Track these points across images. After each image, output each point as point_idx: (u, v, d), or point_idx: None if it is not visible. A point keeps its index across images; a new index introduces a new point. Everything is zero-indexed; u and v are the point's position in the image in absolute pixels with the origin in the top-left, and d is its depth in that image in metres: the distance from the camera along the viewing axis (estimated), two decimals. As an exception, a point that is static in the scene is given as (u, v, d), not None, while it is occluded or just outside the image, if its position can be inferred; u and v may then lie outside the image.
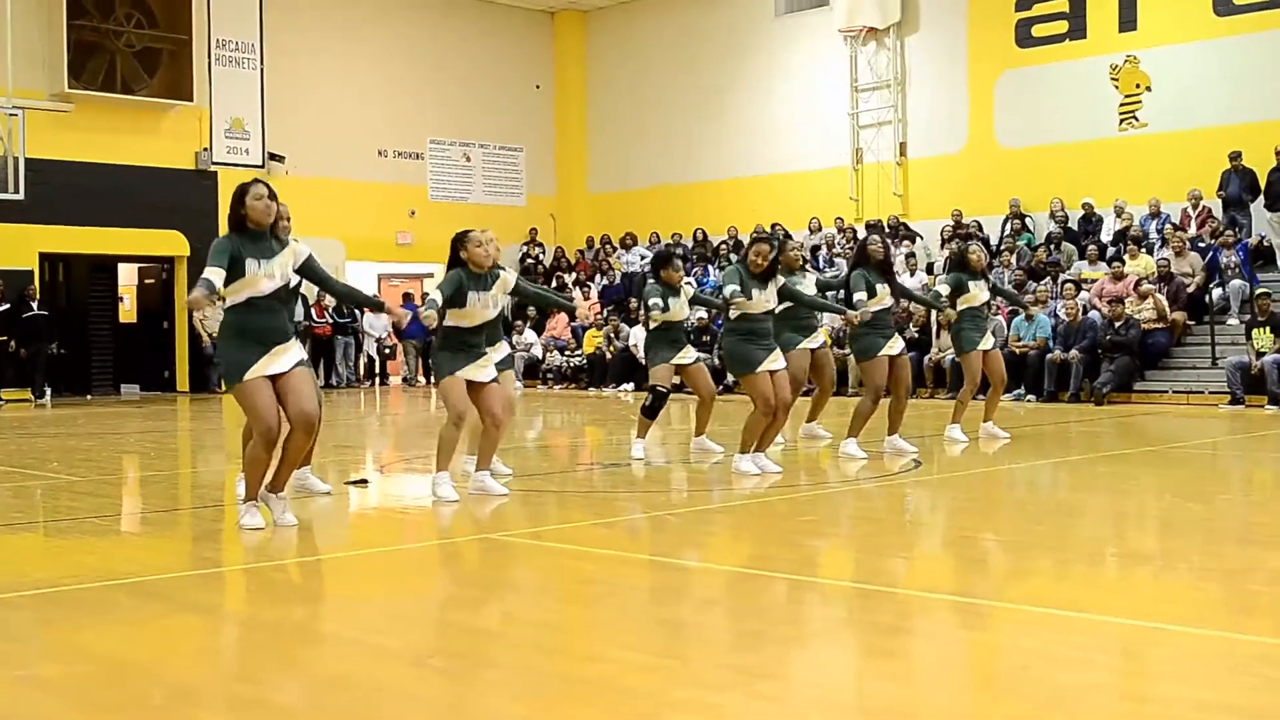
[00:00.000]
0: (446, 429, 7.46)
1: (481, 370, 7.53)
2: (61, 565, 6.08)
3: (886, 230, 20.92)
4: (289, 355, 6.51)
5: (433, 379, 7.72)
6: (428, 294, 7.84)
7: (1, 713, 3.60)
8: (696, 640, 4.48)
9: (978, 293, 10.89)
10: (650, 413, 9.88)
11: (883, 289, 9.75)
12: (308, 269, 6.68)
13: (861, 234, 18.77)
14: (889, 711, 3.55)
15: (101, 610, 4.98)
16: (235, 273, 6.33)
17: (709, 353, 17.43)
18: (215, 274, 6.26)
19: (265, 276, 6.40)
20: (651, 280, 10.28)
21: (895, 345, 9.91)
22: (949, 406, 11.90)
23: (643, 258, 23.92)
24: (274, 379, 6.47)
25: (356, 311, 22.92)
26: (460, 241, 7.62)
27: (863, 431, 9.76)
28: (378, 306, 7.74)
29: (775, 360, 8.64)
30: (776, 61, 23.61)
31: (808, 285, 10.43)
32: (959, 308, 10.91)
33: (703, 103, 24.47)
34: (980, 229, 20.09)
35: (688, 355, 9.86)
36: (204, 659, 4.34)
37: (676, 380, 10.03)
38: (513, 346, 9.27)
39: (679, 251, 10.75)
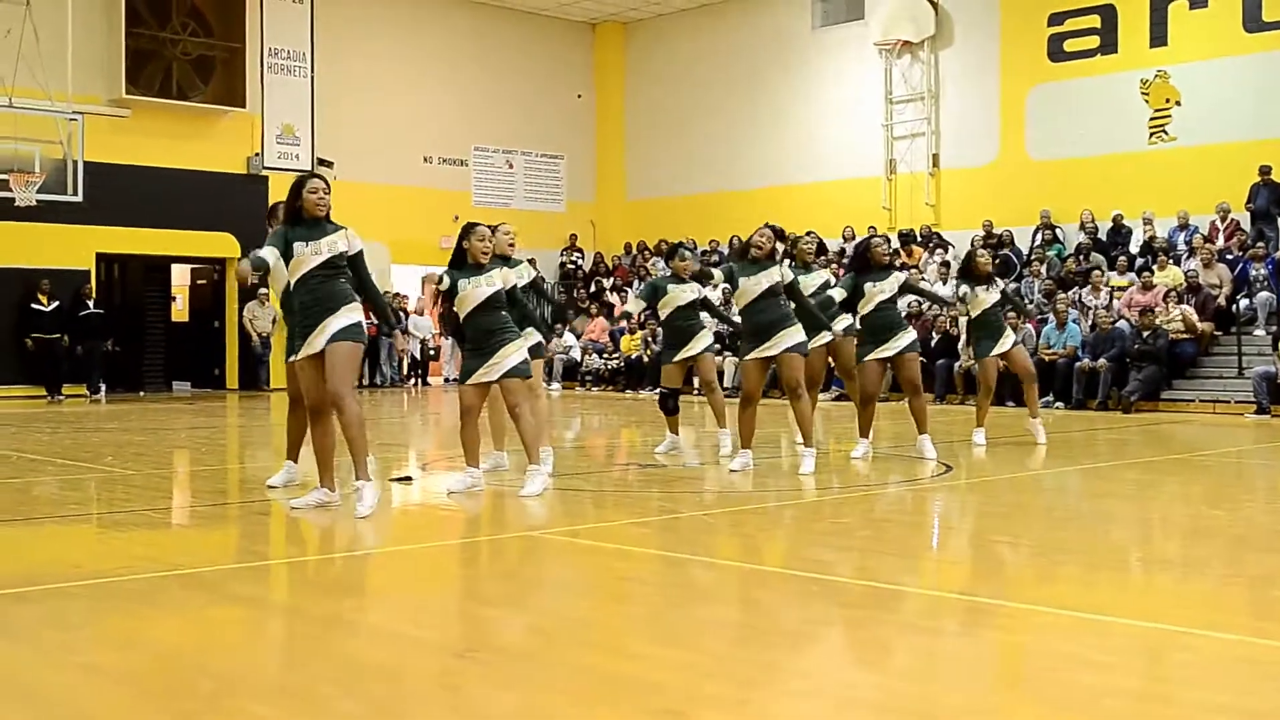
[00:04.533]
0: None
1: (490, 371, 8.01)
2: (115, 556, 6.17)
3: (918, 239, 21.32)
4: (325, 333, 6.87)
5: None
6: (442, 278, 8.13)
7: (58, 698, 3.73)
8: (729, 638, 4.52)
9: (985, 297, 11.10)
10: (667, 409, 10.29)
11: (872, 289, 9.99)
12: (353, 264, 7.06)
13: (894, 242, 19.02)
14: (915, 710, 3.61)
15: (153, 600, 5.08)
16: (287, 257, 6.86)
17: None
18: (268, 252, 6.83)
19: (312, 254, 6.86)
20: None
21: (890, 348, 10.01)
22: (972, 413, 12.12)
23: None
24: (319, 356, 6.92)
25: (400, 314, 23.39)
26: (465, 233, 8.12)
27: (871, 431, 10.16)
28: (389, 327, 8.18)
29: (767, 349, 8.82)
30: (812, 73, 23.89)
31: (817, 278, 10.41)
32: (971, 314, 11.23)
33: (739, 113, 24.74)
34: (1011, 239, 20.38)
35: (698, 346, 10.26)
36: (251, 649, 4.46)
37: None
38: (546, 343, 9.59)
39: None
